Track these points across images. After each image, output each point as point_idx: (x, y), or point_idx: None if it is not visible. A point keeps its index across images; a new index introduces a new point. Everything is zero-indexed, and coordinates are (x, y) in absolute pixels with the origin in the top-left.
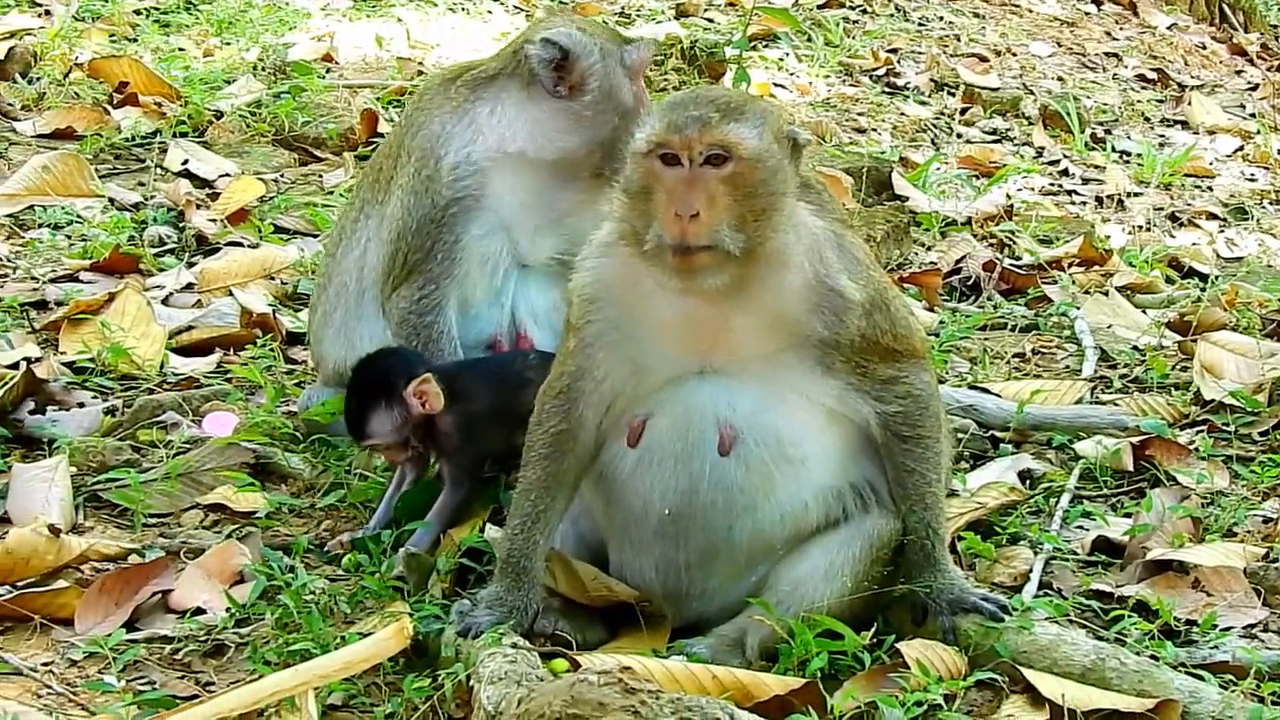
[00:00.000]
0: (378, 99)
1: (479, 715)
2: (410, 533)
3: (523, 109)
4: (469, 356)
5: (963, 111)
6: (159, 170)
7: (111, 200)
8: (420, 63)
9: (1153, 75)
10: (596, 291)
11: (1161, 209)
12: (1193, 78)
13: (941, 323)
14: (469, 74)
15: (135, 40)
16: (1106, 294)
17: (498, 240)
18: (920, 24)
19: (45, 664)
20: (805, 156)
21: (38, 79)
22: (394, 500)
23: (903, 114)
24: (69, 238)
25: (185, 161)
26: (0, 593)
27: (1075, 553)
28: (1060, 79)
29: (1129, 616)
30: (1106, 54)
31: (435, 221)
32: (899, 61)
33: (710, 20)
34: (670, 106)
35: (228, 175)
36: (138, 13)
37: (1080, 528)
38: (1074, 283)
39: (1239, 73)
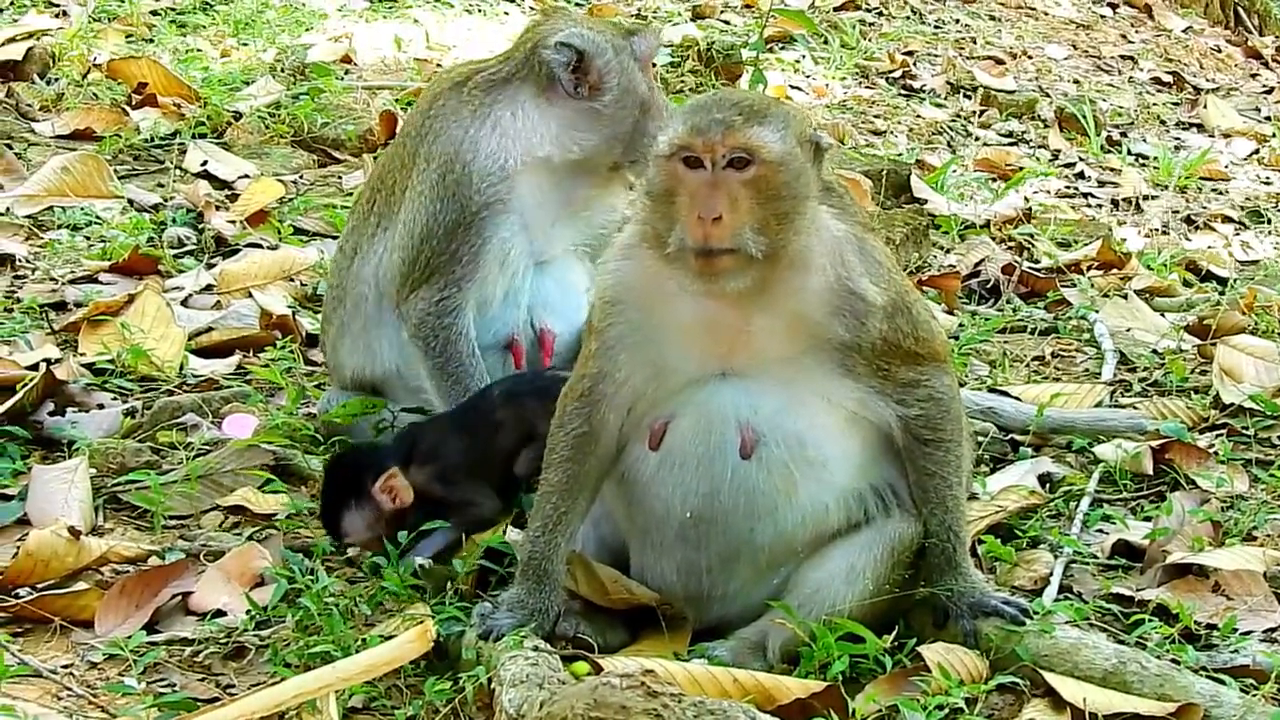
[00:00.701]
0: (396, 100)
1: (500, 718)
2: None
3: (544, 112)
4: (436, 413)
5: (979, 114)
6: (178, 171)
7: (131, 201)
8: (438, 64)
9: (1168, 78)
10: (618, 294)
11: (1178, 212)
12: (1208, 81)
13: (961, 326)
14: (479, 75)
15: (152, 41)
16: (1125, 297)
17: (520, 241)
18: (936, 26)
19: (65, 666)
20: (827, 160)
21: (56, 80)
22: None
23: (919, 116)
24: (88, 239)
25: (204, 163)
26: (20, 595)
27: (1095, 556)
28: (1076, 82)
29: (1149, 620)
30: (1122, 57)
31: (464, 226)
32: (915, 64)
33: (727, 22)
34: (693, 109)
35: (247, 176)
36: (154, 13)
37: (1100, 531)
38: (1093, 286)
39: (1254, 76)
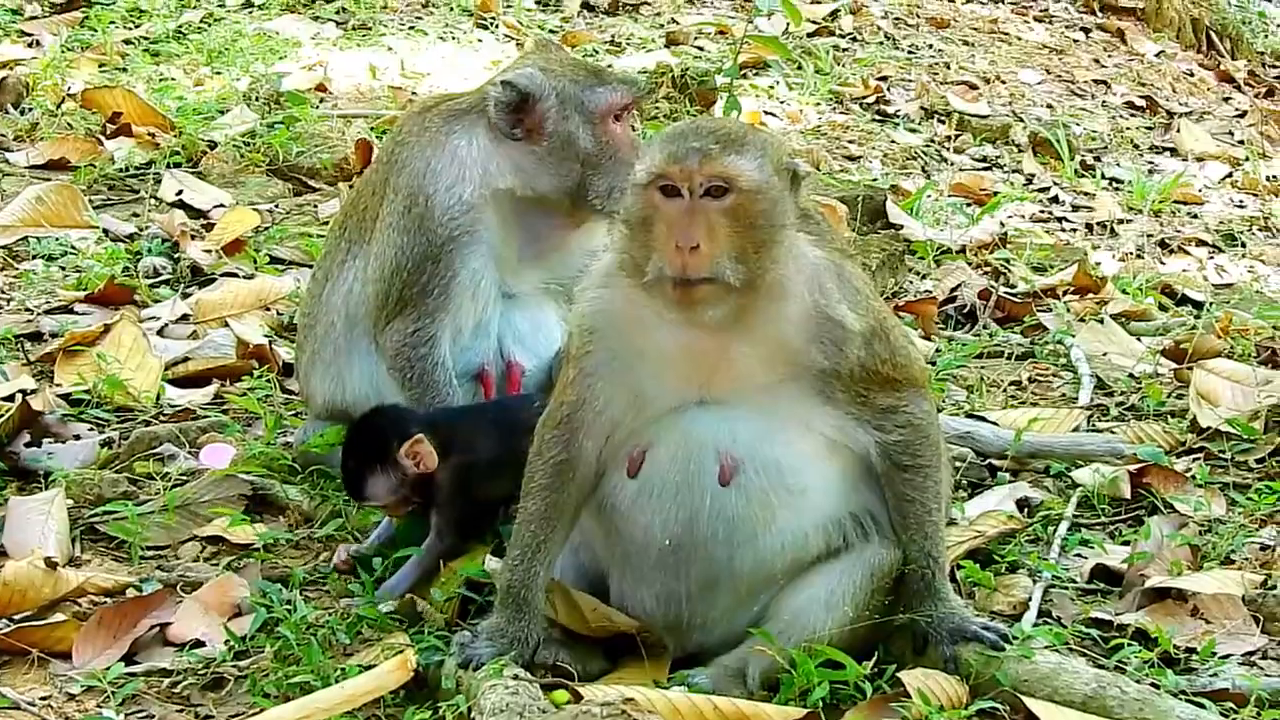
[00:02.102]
0: (372, 128)
1: None
2: (406, 558)
3: (496, 146)
4: (473, 403)
5: (953, 139)
6: (153, 201)
7: (106, 231)
8: (413, 92)
9: (1141, 102)
10: (596, 322)
11: (1152, 236)
12: (1181, 105)
13: (938, 351)
14: (445, 105)
15: (126, 70)
16: (1101, 321)
17: (489, 272)
18: (910, 52)
19: (43, 698)
20: (804, 187)
21: (30, 109)
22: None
23: (893, 142)
24: (63, 269)
25: (179, 192)
26: None
27: (1074, 581)
28: (1049, 106)
29: (1128, 644)
30: (1095, 81)
31: (432, 259)
32: (889, 89)
33: (700, 49)
34: (670, 138)
35: (222, 206)
36: (128, 42)
37: (1079, 556)
38: (1069, 310)
39: (1227, 99)
